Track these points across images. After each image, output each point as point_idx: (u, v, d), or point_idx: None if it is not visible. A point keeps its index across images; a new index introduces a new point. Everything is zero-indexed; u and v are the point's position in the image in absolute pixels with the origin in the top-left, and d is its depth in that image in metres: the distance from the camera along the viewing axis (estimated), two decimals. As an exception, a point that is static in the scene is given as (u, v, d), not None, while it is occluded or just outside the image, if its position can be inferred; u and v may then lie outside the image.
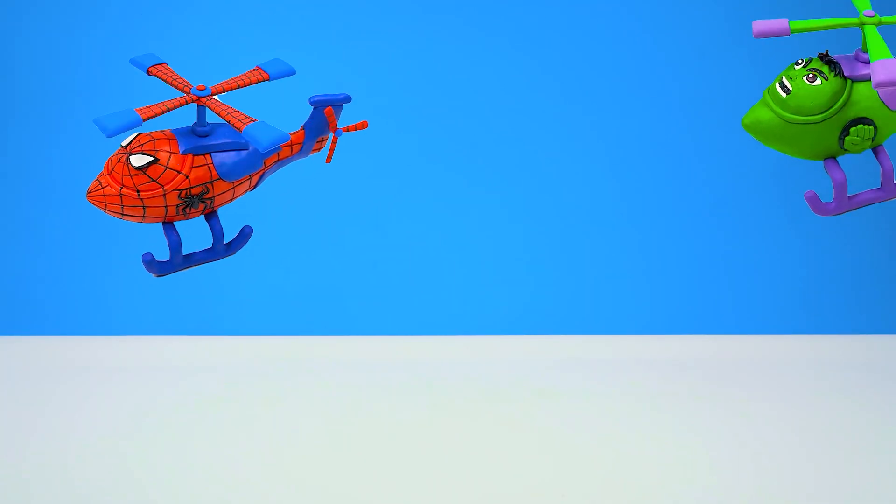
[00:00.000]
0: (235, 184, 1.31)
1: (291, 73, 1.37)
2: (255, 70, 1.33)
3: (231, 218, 1.36)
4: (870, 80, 1.34)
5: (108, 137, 1.19)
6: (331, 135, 1.37)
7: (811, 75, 1.35)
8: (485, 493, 1.26)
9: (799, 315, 1.95)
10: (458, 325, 1.91)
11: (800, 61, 1.38)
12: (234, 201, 1.33)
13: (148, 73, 1.31)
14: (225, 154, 1.29)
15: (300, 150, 1.38)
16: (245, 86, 1.31)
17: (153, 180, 1.23)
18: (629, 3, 2.03)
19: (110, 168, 1.26)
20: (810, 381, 1.62)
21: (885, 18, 1.34)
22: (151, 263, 1.28)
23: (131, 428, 1.41)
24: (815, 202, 1.39)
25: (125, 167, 1.23)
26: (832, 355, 1.74)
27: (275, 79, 1.34)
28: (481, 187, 2.17)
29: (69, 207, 2.09)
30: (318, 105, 1.36)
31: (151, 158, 1.23)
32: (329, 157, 1.37)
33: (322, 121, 1.36)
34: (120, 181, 1.23)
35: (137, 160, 1.22)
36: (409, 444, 1.37)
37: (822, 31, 1.34)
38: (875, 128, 1.38)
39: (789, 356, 1.72)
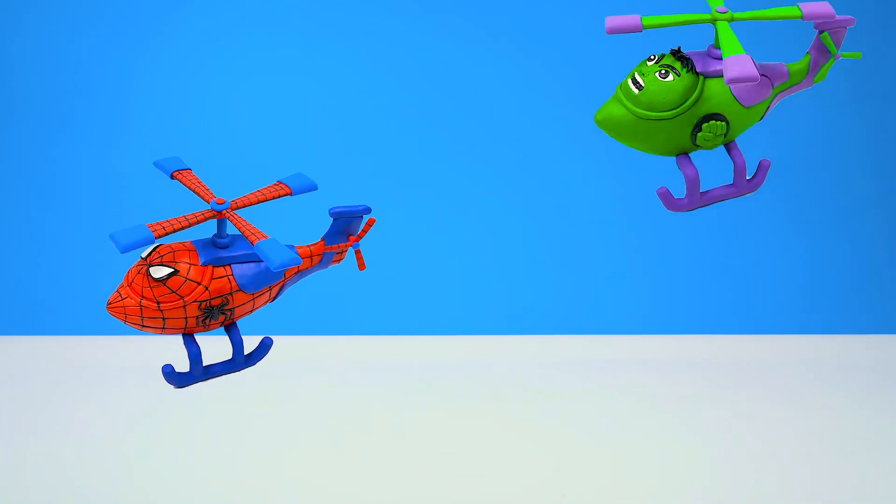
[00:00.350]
0: (255, 295, 1.30)
1: (314, 188, 1.35)
2: (276, 185, 1.30)
3: (250, 328, 1.35)
4: (722, 77, 1.34)
5: (122, 253, 1.18)
6: (353, 245, 1.36)
7: (663, 71, 1.34)
8: (485, 493, 1.26)
9: (799, 315, 1.95)
10: (458, 325, 1.91)
11: (652, 57, 1.36)
12: (253, 312, 1.32)
13: (171, 177, 1.31)
14: (245, 265, 1.27)
15: (320, 261, 1.37)
16: (266, 200, 1.29)
17: (173, 292, 1.22)
18: (628, 4, 2.03)
19: (130, 279, 1.24)
20: (810, 381, 1.62)
21: (737, 14, 1.32)
22: (171, 375, 1.28)
23: (131, 428, 1.41)
24: (667, 198, 1.37)
25: (145, 278, 1.22)
26: (832, 355, 1.74)
27: (297, 193, 1.31)
28: (481, 188, 2.17)
29: (69, 207, 2.09)
30: (338, 217, 1.34)
31: (171, 270, 1.22)
32: (361, 265, 1.35)
33: (341, 231, 1.35)
34: (140, 292, 1.22)
35: (157, 272, 1.21)
36: (408, 443, 1.37)
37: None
38: (727, 124, 1.37)
39: (789, 356, 1.72)
